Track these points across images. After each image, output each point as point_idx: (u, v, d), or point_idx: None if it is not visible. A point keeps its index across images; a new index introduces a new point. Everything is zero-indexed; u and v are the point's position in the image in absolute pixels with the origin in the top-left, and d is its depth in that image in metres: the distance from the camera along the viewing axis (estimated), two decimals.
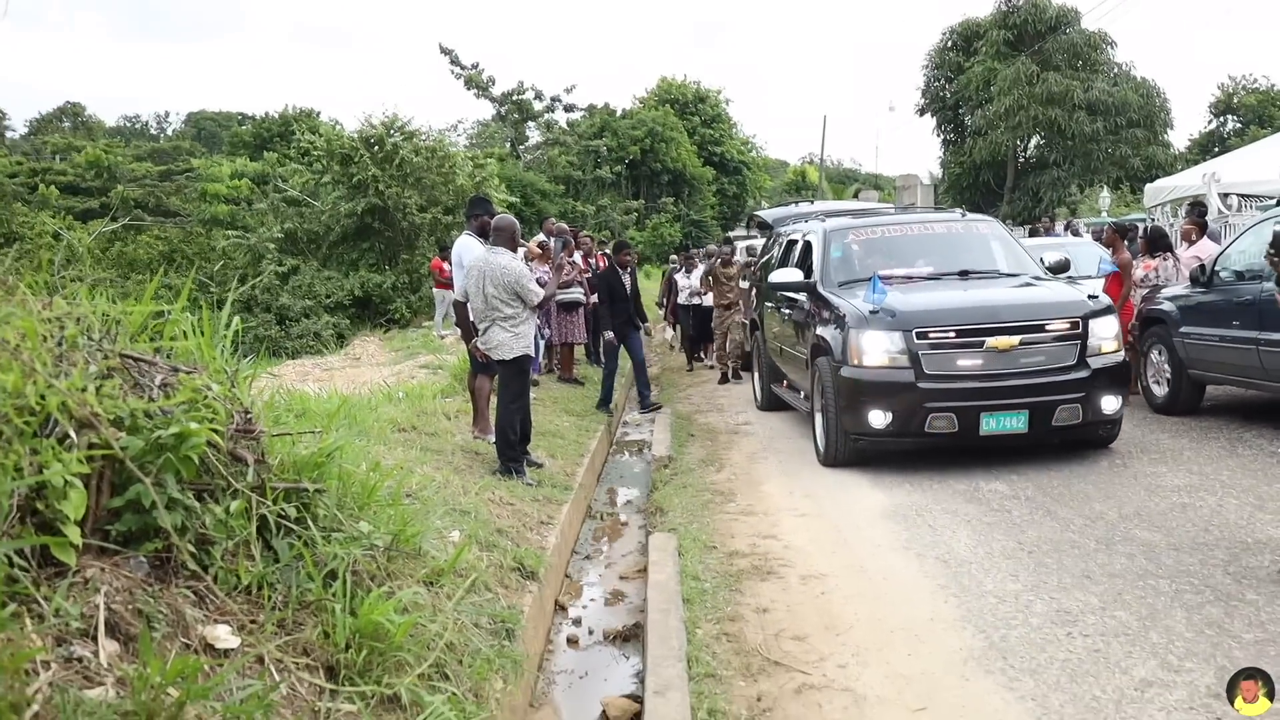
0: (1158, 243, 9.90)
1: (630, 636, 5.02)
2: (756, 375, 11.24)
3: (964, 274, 8.07)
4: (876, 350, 7.07)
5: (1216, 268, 8.25)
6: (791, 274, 8.78)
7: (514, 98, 35.53)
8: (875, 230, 8.91)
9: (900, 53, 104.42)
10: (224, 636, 2.76)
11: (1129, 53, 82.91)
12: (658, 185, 45.66)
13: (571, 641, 5.01)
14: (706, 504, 6.93)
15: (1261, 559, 4.99)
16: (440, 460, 6.64)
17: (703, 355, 16.08)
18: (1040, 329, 7.02)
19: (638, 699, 4.14)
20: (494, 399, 7.52)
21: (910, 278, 8.00)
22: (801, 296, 8.77)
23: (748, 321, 12.47)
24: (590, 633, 5.15)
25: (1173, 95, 73.72)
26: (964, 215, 9.65)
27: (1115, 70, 33.77)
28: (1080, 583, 4.82)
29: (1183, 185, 16.53)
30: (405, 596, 3.40)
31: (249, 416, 3.40)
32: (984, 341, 6.92)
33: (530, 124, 37.69)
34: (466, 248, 7.70)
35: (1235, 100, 48.73)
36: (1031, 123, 31.98)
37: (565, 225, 14.42)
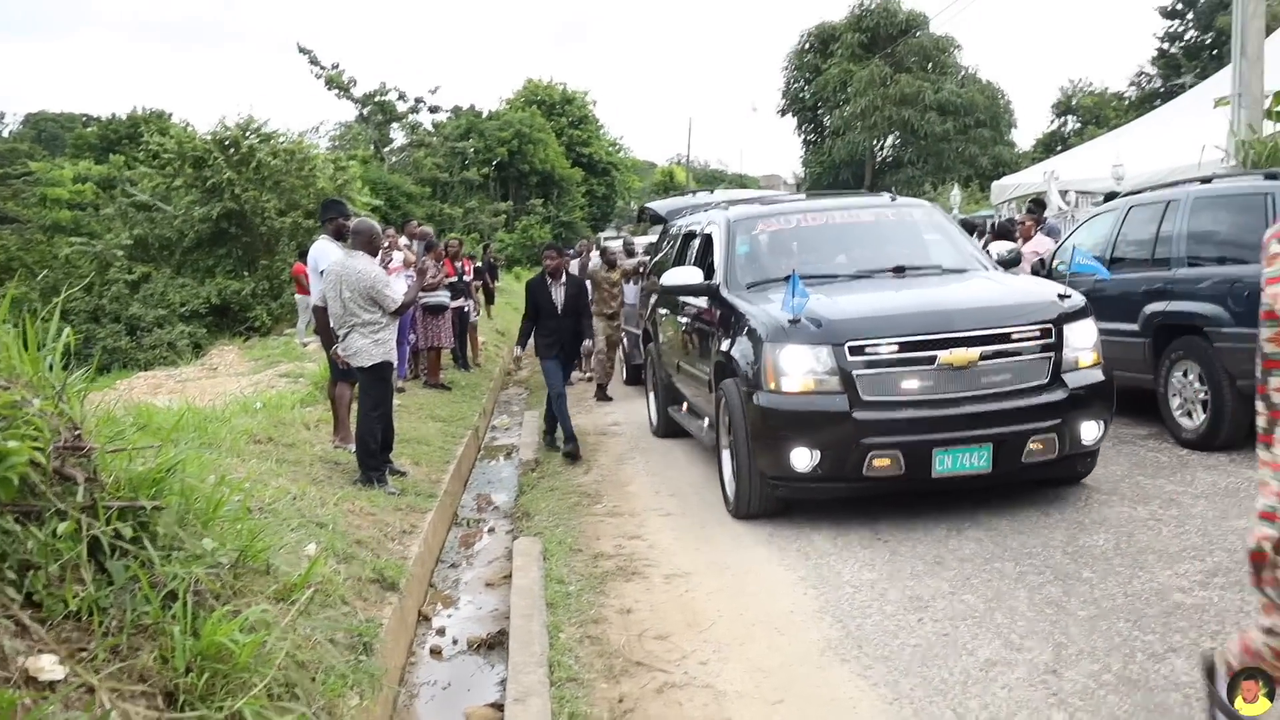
0: (1004, 238, 10.34)
1: (495, 644, 4.97)
2: (651, 396, 9.61)
3: (900, 270, 6.68)
4: (798, 371, 5.63)
5: (1055, 262, 8.67)
6: (688, 274, 7.30)
7: (377, 99, 34.73)
8: (789, 219, 7.42)
9: (762, 54, 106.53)
10: (48, 667, 2.61)
11: (975, 56, 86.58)
12: (526, 187, 45.38)
13: (435, 652, 4.93)
14: (573, 506, 6.92)
15: (1096, 539, 5.27)
16: (298, 472, 6.45)
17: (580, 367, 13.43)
18: (1004, 338, 5.63)
19: (501, 707, 4.10)
20: (355, 406, 7.34)
21: (835, 277, 6.67)
22: (701, 302, 7.28)
23: (639, 331, 10.76)
24: (454, 642, 5.08)
25: (1020, 96, 77.31)
26: (894, 199, 8.04)
27: (963, 73, 35.32)
28: (932, 569, 5.00)
29: (1026, 183, 17.35)
30: (252, 615, 3.27)
31: (78, 433, 3.22)
32: (935, 356, 5.51)
33: (394, 125, 36.92)
34: (323, 252, 7.50)
35: (1074, 101, 51.35)
36: (886, 123, 33.14)
37: (429, 229, 14.20)
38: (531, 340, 9.13)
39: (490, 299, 21.08)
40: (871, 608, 4.56)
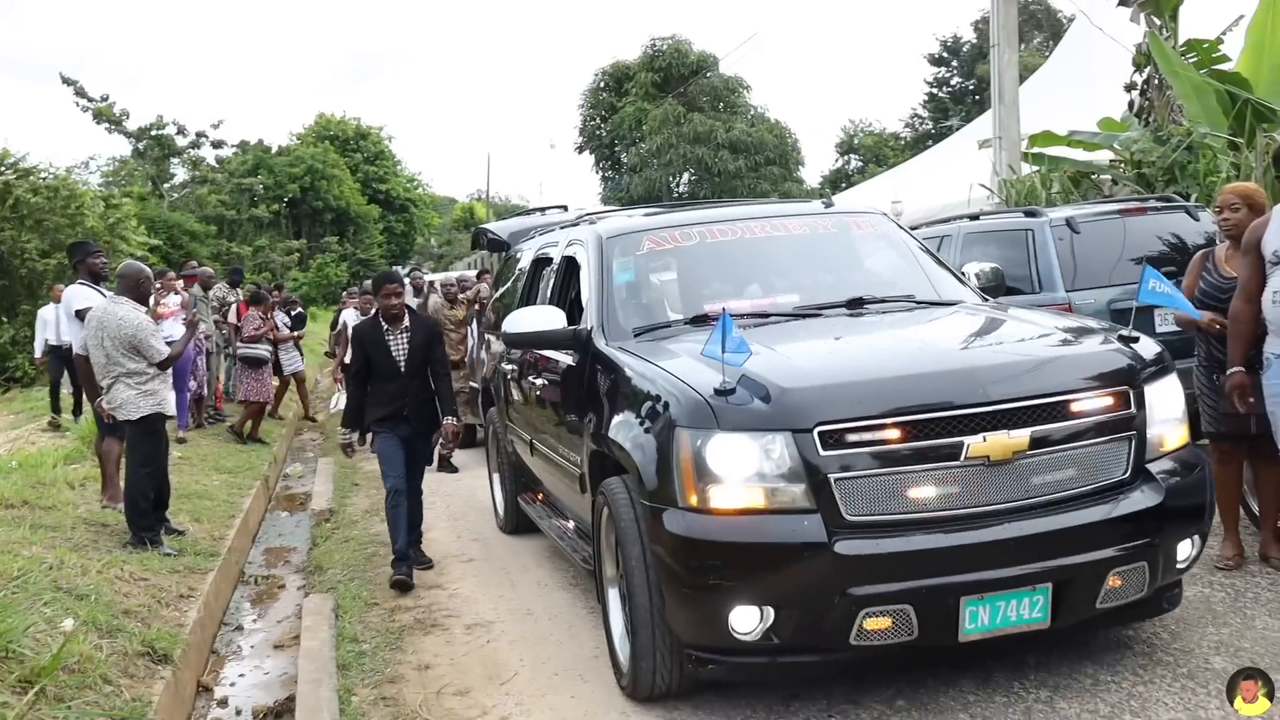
0: None
1: (284, 711, 4.62)
2: (496, 480, 7.25)
3: (857, 305, 4.60)
4: (739, 475, 3.46)
5: None
6: (544, 317, 4.95)
7: (153, 133, 32.91)
8: (688, 234, 5.15)
9: (559, 90, 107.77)
10: None
11: (763, 97, 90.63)
12: (321, 224, 44.04)
13: None
14: (370, 557, 6.61)
15: None
16: (56, 538, 5.88)
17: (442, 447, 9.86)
18: (1063, 411, 3.59)
19: None
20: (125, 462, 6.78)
21: (767, 317, 4.56)
22: (565, 357, 4.98)
23: (478, 386, 8.06)
24: (238, 713, 4.71)
25: (806, 135, 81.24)
26: (829, 205, 5.90)
27: (752, 112, 36.81)
28: None
29: None
30: None
31: None
32: (962, 445, 3.43)
33: (174, 161, 35.07)
34: (77, 296, 6.93)
35: (855, 141, 54.34)
36: (681, 160, 34.09)
37: (209, 269, 13.47)
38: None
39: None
40: None
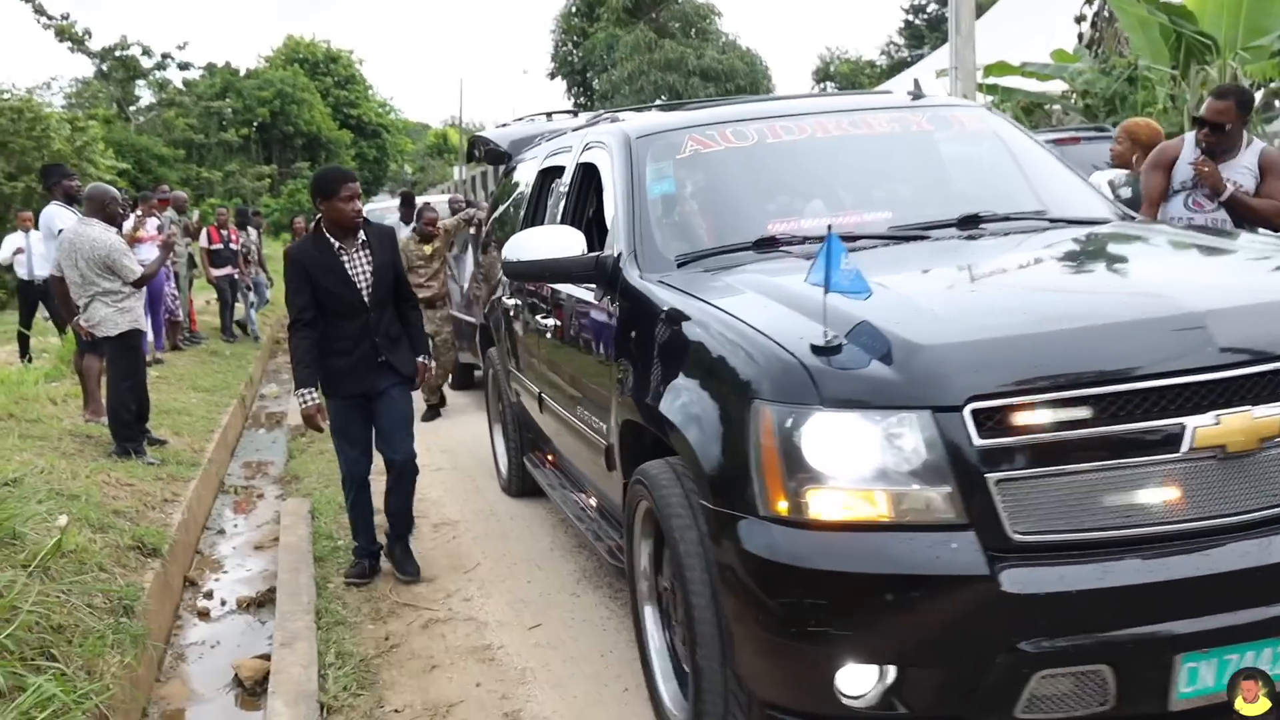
0: None
1: (265, 602, 5.02)
2: (498, 434, 6.20)
3: (971, 223, 3.51)
4: (853, 468, 2.36)
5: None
6: (556, 239, 3.79)
7: (117, 53, 32.40)
8: (742, 132, 3.90)
9: (531, 16, 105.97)
10: None
11: (735, 24, 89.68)
12: (291, 149, 43.66)
13: (202, 614, 4.94)
14: None
15: None
16: (45, 446, 6.22)
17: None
18: None
19: (270, 658, 4.22)
20: (105, 379, 7.08)
21: (856, 239, 3.33)
22: (584, 292, 3.92)
23: (473, 320, 7.58)
24: (223, 603, 5.10)
25: (782, 64, 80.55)
26: (917, 96, 4.46)
27: (723, 39, 36.70)
28: None
29: None
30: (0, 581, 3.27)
31: None
32: (1182, 427, 2.28)
33: (140, 83, 34.58)
34: (55, 217, 7.17)
35: (832, 68, 54.11)
36: (653, 87, 33.99)
37: (181, 193, 13.60)
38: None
39: None
40: None
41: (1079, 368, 2.32)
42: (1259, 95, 8.33)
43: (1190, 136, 4.82)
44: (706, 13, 36.12)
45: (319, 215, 4.47)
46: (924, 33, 43.64)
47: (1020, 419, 2.28)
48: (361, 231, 4.49)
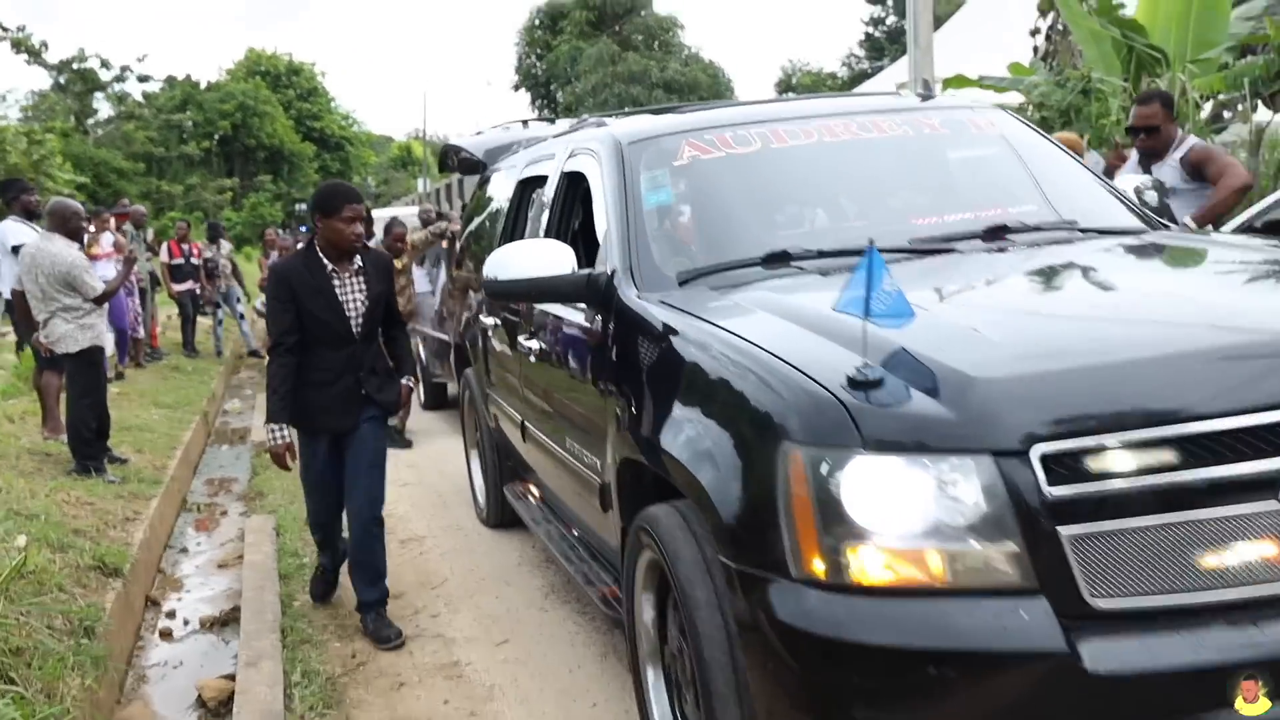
0: None
1: (229, 621, 4.97)
2: (474, 460, 5.89)
3: (997, 234, 3.21)
4: (901, 522, 2.00)
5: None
6: (542, 256, 3.37)
7: (75, 66, 32.09)
8: (744, 137, 3.58)
9: (495, 29, 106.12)
10: None
11: (698, 37, 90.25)
12: (254, 162, 43.43)
13: (165, 634, 4.88)
14: None
15: None
16: (2, 465, 6.14)
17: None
18: None
19: (235, 677, 4.18)
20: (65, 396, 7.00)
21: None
22: (573, 314, 3.59)
23: (445, 338, 7.32)
24: (186, 623, 5.04)
25: (744, 76, 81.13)
26: (926, 97, 4.27)
27: (686, 52, 37.02)
28: None
29: None
30: None
31: None
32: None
33: (99, 95, 34.27)
34: (12, 232, 7.08)
35: (794, 80, 54.55)
36: (616, 100, 34.18)
37: (140, 207, 13.47)
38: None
39: None
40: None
41: (1167, 404, 1.99)
42: (1208, 107, 8.52)
43: (1135, 155, 4.96)
44: (669, 25, 36.49)
45: (314, 232, 4.19)
46: (884, 45, 44.14)
47: (1098, 464, 1.95)
48: (359, 257, 4.18)
